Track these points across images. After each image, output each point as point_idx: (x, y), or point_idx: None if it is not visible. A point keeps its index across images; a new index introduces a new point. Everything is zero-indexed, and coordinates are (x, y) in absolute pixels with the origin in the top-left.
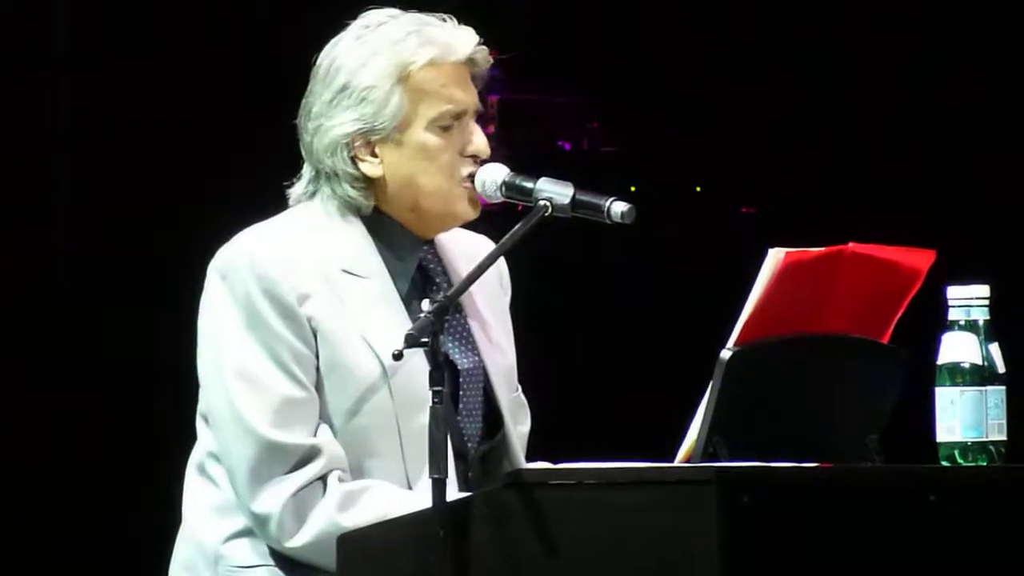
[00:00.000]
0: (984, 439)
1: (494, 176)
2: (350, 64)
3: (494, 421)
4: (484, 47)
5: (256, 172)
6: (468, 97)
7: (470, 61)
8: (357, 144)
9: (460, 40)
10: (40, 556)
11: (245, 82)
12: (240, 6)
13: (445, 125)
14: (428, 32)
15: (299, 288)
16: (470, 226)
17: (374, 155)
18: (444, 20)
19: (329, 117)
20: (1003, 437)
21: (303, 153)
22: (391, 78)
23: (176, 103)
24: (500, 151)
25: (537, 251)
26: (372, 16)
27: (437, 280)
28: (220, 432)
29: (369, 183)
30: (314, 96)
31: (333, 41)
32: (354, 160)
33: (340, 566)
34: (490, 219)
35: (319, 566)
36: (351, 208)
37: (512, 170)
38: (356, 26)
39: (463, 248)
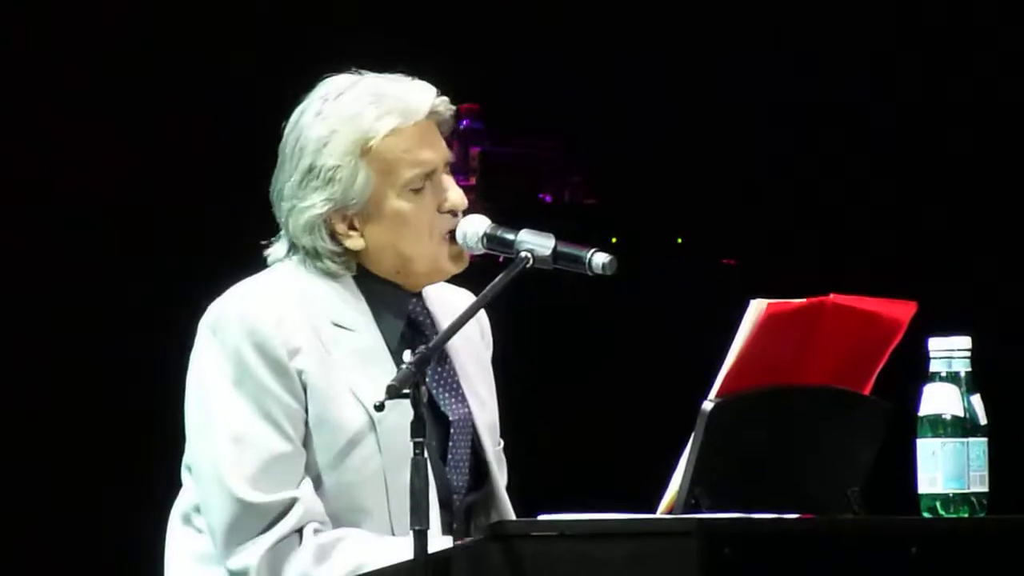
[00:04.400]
0: (966, 491)
1: (475, 228)
2: (312, 143)
3: (480, 473)
4: (444, 97)
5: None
6: (436, 154)
7: (432, 114)
8: (335, 220)
9: (418, 100)
10: None
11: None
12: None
13: (417, 188)
14: (386, 100)
15: (290, 342)
16: (455, 278)
17: (353, 228)
18: (400, 79)
19: (301, 199)
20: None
21: (279, 222)
22: (353, 155)
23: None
24: (482, 203)
25: (519, 302)
26: (330, 86)
27: (426, 333)
28: (201, 487)
29: (351, 254)
30: (284, 174)
31: (296, 112)
32: (334, 235)
33: None
34: (471, 270)
35: None
36: (332, 276)
37: (493, 222)
38: (315, 99)
39: (450, 301)
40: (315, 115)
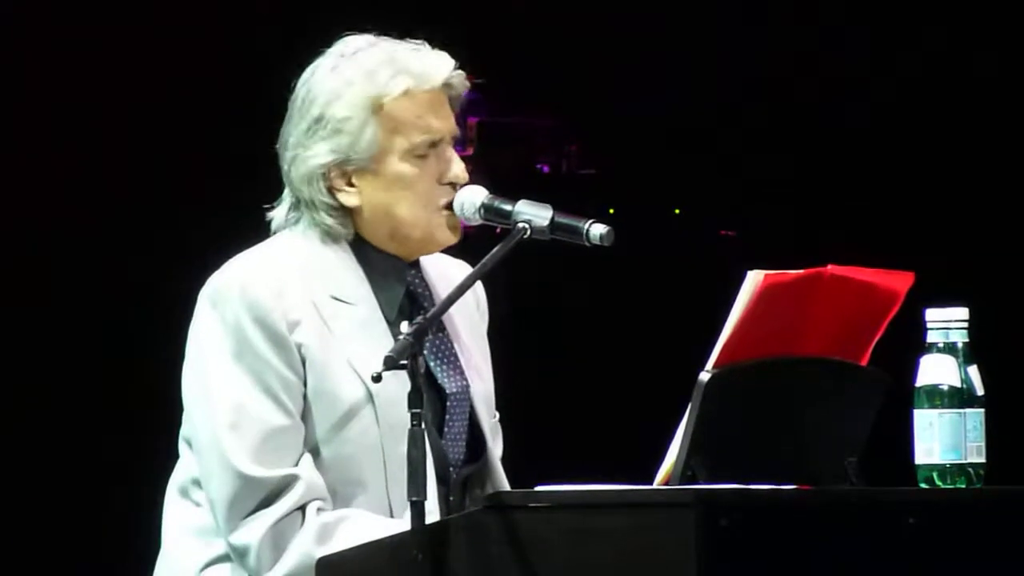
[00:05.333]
0: (963, 461)
1: (473, 198)
2: (325, 95)
3: (476, 445)
4: (460, 71)
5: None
6: (444, 124)
7: (446, 86)
8: (334, 175)
9: (435, 67)
10: None
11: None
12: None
13: (421, 154)
14: (402, 62)
15: (289, 315)
16: (451, 248)
17: (351, 185)
18: (419, 47)
19: (305, 147)
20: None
21: (284, 179)
22: (366, 109)
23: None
24: (479, 174)
25: (516, 273)
26: (348, 44)
27: (424, 304)
28: (202, 461)
29: (347, 212)
30: (291, 125)
31: (310, 68)
32: (331, 190)
33: None
34: (468, 242)
35: None
36: (332, 236)
37: (491, 192)
38: (332, 54)
39: (447, 272)
40: (330, 69)
